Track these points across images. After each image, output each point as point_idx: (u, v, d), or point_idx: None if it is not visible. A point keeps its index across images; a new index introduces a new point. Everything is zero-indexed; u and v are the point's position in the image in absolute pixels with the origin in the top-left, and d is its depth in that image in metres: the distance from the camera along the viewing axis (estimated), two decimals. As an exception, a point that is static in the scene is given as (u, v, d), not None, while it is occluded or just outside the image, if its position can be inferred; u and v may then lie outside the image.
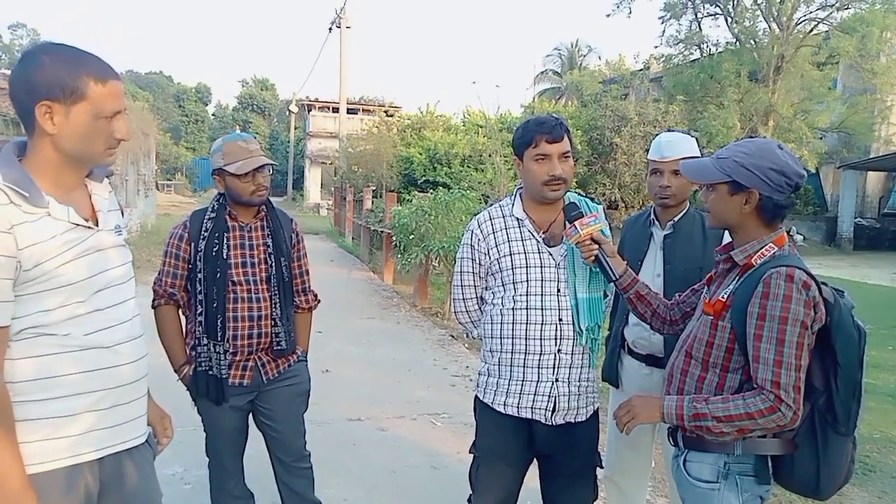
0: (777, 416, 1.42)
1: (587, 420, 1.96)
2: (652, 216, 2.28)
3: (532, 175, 1.89)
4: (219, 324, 2.10)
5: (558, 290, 1.89)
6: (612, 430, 2.30)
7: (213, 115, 54.49)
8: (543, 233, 1.94)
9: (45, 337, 1.28)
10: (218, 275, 2.11)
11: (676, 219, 2.21)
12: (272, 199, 2.31)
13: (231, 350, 2.13)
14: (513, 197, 2.03)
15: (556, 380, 1.88)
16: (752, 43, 18.31)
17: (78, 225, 1.32)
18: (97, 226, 1.37)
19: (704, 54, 19.25)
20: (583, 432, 1.95)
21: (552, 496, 2.01)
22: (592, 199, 2.04)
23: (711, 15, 19.39)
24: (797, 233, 17.94)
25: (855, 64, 17.12)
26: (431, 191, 9.41)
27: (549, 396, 1.88)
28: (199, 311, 2.13)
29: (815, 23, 17.84)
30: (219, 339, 2.11)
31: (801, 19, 17.85)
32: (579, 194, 2.05)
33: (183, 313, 2.24)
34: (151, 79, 53.30)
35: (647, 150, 2.35)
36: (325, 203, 27.38)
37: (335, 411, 4.12)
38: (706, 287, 1.70)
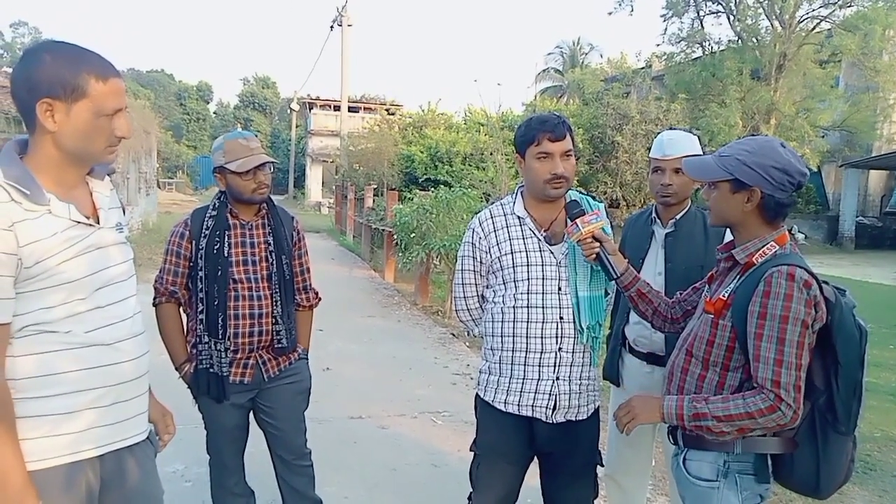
0: (777, 415, 1.42)
1: (588, 418, 1.96)
2: (653, 214, 2.28)
3: (534, 173, 1.89)
4: (220, 322, 2.10)
5: (559, 289, 1.89)
6: (613, 428, 2.29)
7: (214, 113, 54.53)
8: (544, 231, 1.94)
9: (47, 334, 1.28)
10: (219, 273, 2.11)
11: (678, 217, 2.21)
12: (273, 197, 2.32)
13: (232, 348, 2.13)
14: (514, 195, 2.03)
15: (557, 378, 1.88)
16: (755, 41, 18.28)
17: (79, 222, 1.33)
18: (98, 223, 1.38)
19: (706, 52, 19.22)
20: (583, 430, 1.95)
21: (553, 494, 2.01)
22: (594, 198, 2.04)
23: (713, 13, 19.36)
24: (798, 231, 17.92)
25: (857, 62, 17.08)
26: (433, 189, 9.42)
27: (550, 395, 1.88)
28: (200, 309, 2.13)
29: (818, 21, 17.80)
30: (220, 336, 2.11)
31: (804, 17, 17.81)
32: (580, 192, 2.05)
33: (184, 311, 2.24)
34: (153, 77, 53.34)
35: (649, 149, 2.34)
36: (327, 201, 27.39)
37: (336, 409, 4.12)
38: (707, 285, 1.70)
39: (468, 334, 2.43)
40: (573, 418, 1.92)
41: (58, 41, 1.32)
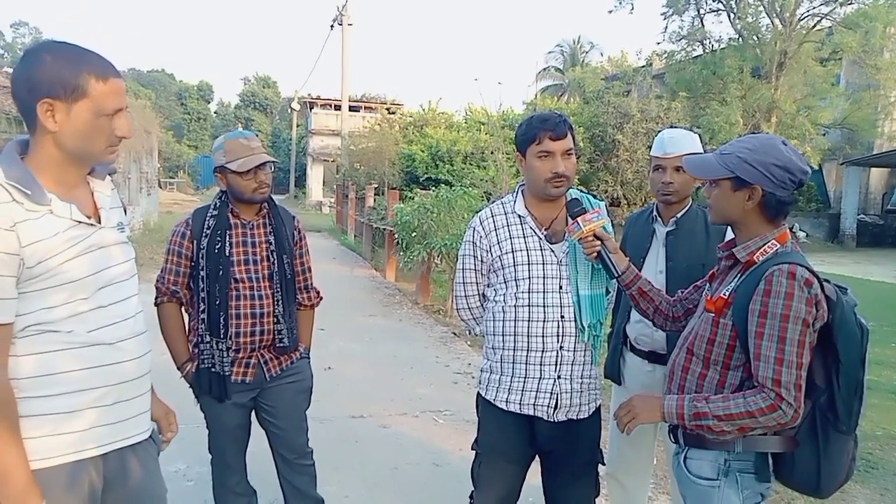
0: (778, 414, 1.42)
1: (589, 417, 1.96)
2: (654, 213, 2.27)
3: (535, 172, 1.89)
4: (221, 321, 2.11)
5: (560, 287, 1.88)
6: (614, 427, 2.29)
7: (215, 112, 54.55)
8: (545, 230, 1.94)
9: (49, 334, 1.28)
10: (220, 272, 2.11)
11: (679, 215, 2.21)
12: (274, 196, 2.32)
13: (234, 347, 2.13)
14: (514, 194, 2.03)
15: (559, 377, 1.88)
16: (755, 39, 18.25)
17: (80, 222, 1.33)
18: (99, 223, 1.38)
19: (707, 50, 19.20)
20: (585, 429, 1.95)
21: (554, 493, 2.01)
22: (595, 196, 2.04)
23: (714, 11, 19.35)
24: (800, 229, 17.90)
25: (858, 60, 17.05)
26: (433, 188, 9.41)
27: (552, 393, 1.88)
28: (201, 309, 2.14)
29: (818, 18, 17.78)
30: (221, 336, 2.11)
31: (804, 15, 17.79)
32: (581, 191, 2.05)
33: (186, 311, 2.24)
34: (154, 77, 53.35)
35: (650, 147, 2.34)
36: (328, 200, 27.41)
37: (337, 408, 4.13)
38: (708, 284, 1.70)
39: (469, 333, 2.43)
40: (574, 417, 1.92)
41: (58, 41, 1.33)
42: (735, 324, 1.50)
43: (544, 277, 1.89)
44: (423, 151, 15.29)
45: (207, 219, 2.17)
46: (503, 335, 1.92)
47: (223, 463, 2.30)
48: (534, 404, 1.89)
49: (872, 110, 17.71)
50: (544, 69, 34.79)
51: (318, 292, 2.46)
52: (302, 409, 2.35)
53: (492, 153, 10.99)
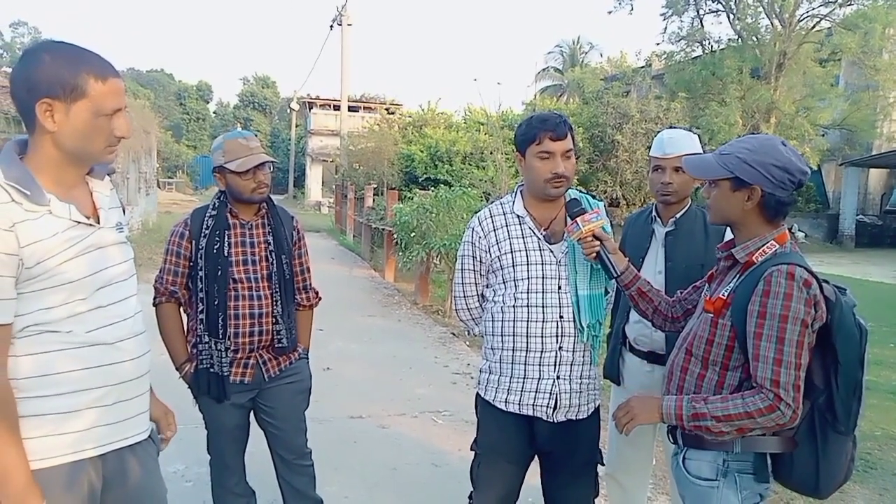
0: (776, 414, 1.42)
1: (588, 417, 1.96)
2: (653, 213, 2.28)
3: (535, 172, 1.89)
4: (220, 321, 2.10)
5: (559, 288, 1.88)
6: (613, 427, 2.29)
7: (214, 112, 54.52)
8: (544, 230, 1.94)
9: (48, 334, 1.28)
10: (219, 272, 2.11)
11: (678, 216, 2.21)
12: (273, 196, 2.32)
13: (232, 348, 2.13)
14: (513, 194, 2.03)
15: (558, 377, 1.88)
16: (755, 40, 18.27)
17: (79, 222, 1.33)
18: (98, 223, 1.38)
19: (706, 51, 19.21)
20: (584, 429, 1.95)
21: (553, 493, 2.01)
22: (594, 196, 2.04)
23: (713, 12, 19.36)
24: (799, 230, 17.92)
25: (857, 60, 17.07)
26: (433, 188, 9.41)
27: (551, 394, 1.88)
28: (200, 309, 2.13)
29: (818, 19, 17.80)
30: (220, 336, 2.11)
31: (804, 16, 17.81)
32: (580, 191, 2.05)
33: (184, 311, 2.24)
34: (152, 77, 53.34)
35: (649, 148, 2.34)
36: (327, 201, 27.40)
37: (336, 409, 4.12)
38: (707, 284, 1.70)
39: (468, 333, 2.43)
40: (574, 417, 1.92)
41: (57, 41, 1.32)
42: (734, 324, 1.50)
43: (543, 278, 1.89)
44: (422, 152, 15.29)
45: (206, 219, 2.17)
46: (502, 335, 1.92)
47: (222, 463, 2.30)
48: (533, 405, 1.89)
49: (871, 111, 17.73)
50: (543, 69, 34.81)
51: (316, 293, 2.45)
52: (301, 410, 2.35)
53: (491, 153, 10.99)
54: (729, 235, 1.70)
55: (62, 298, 1.29)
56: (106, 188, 1.45)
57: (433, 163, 14.79)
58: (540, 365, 1.88)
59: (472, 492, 2.05)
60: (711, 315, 1.55)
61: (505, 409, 1.92)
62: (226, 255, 2.13)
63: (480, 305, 2.07)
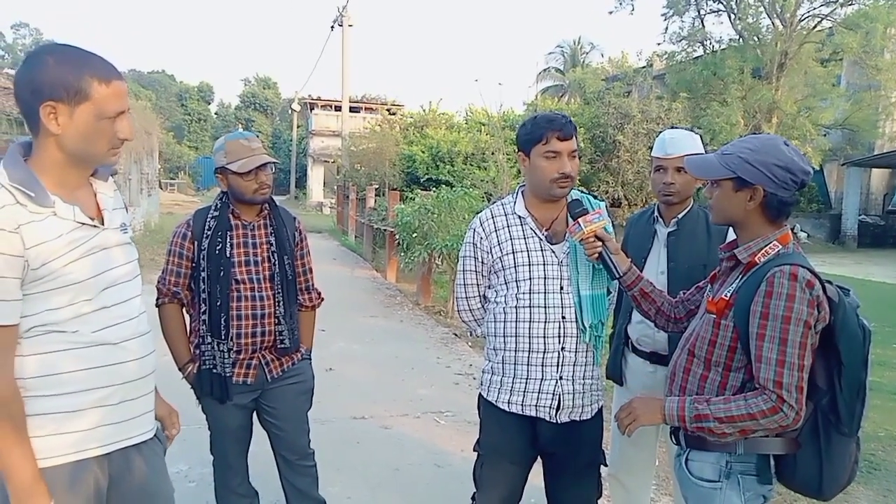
0: (779, 416, 1.41)
1: (591, 418, 1.96)
2: (656, 213, 2.27)
3: (541, 172, 1.88)
4: (222, 322, 2.11)
5: (561, 288, 1.88)
6: (616, 427, 2.29)
7: (215, 113, 54.59)
8: (546, 230, 1.94)
9: (54, 334, 1.29)
10: (221, 273, 2.12)
11: (680, 216, 2.21)
12: (275, 197, 2.32)
13: (235, 348, 2.14)
14: (515, 195, 2.03)
15: (561, 377, 1.88)
16: (756, 40, 18.24)
17: (83, 224, 1.34)
18: (103, 224, 1.38)
19: (707, 51, 19.19)
20: (587, 430, 1.95)
21: (556, 494, 2.01)
22: (595, 196, 2.04)
23: (714, 11, 19.33)
24: (801, 230, 17.89)
25: (859, 60, 17.04)
26: (434, 189, 9.41)
27: (554, 394, 1.88)
28: (202, 310, 2.14)
29: (819, 19, 17.77)
30: (222, 337, 2.11)
31: (805, 16, 17.78)
32: (582, 192, 2.05)
33: (187, 312, 2.24)
34: (154, 78, 53.41)
35: (651, 148, 2.34)
36: (328, 201, 27.42)
37: (339, 409, 4.13)
38: (710, 285, 1.70)
39: (470, 334, 2.42)
40: (577, 418, 1.92)
41: (61, 44, 1.33)
42: (736, 325, 1.50)
43: (545, 278, 1.89)
44: (423, 152, 15.29)
45: (208, 220, 2.17)
46: (504, 336, 1.92)
47: (225, 464, 2.30)
48: (536, 405, 1.89)
49: (873, 111, 17.70)
50: (545, 70, 34.81)
51: (319, 293, 2.46)
52: (303, 411, 2.35)
53: (492, 154, 10.99)
54: (731, 236, 1.70)
55: (67, 299, 1.29)
56: (110, 189, 1.46)
57: (435, 163, 14.79)
58: (543, 365, 1.88)
59: (474, 492, 2.05)
60: (714, 316, 1.55)
61: (508, 409, 1.92)
62: (228, 255, 2.13)
63: (482, 306, 2.07)
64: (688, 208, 2.22)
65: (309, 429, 2.38)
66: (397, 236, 8.76)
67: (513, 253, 1.92)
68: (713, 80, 18.00)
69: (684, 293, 1.85)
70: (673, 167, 2.15)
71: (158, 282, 2.21)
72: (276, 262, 2.19)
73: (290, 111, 39.44)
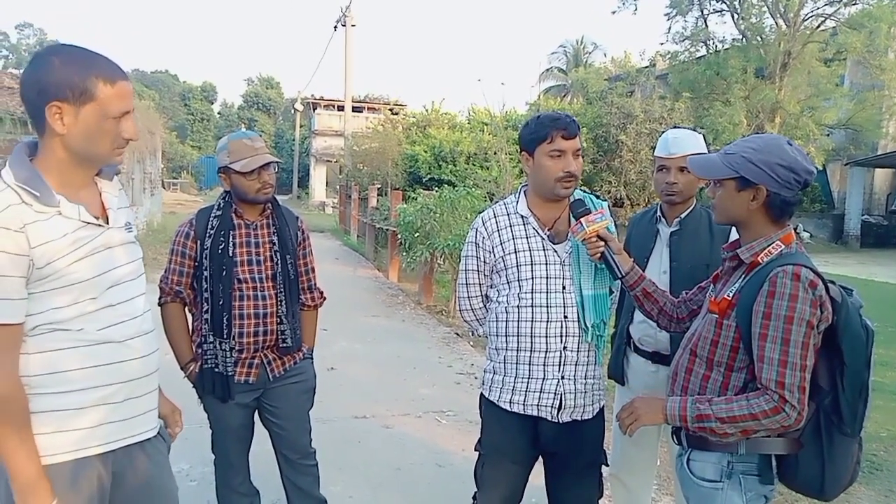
0: (781, 416, 1.41)
1: (593, 418, 1.96)
2: (658, 213, 2.27)
3: (545, 171, 1.88)
4: (225, 321, 2.11)
5: (563, 288, 1.88)
6: (618, 427, 2.29)
7: (218, 113, 54.71)
8: (548, 230, 1.94)
9: (59, 332, 1.30)
10: (224, 272, 2.12)
11: (683, 216, 2.21)
12: (277, 197, 2.32)
13: (237, 347, 2.14)
14: (517, 194, 2.03)
15: (562, 377, 1.88)
16: (759, 39, 18.21)
17: (88, 223, 1.34)
18: (107, 223, 1.39)
19: (710, 51, 19.15)
20: (589, 430, 1.95)
21: (558, 494, 2.01)
22: (597, 196, 2.04)
23: (717, 11, 19.30)
24: (804, 230, 17.85)
25: (862, 60, 17.01)
26: (436, 189, 9.40)
27: (555, 394, 1.88)
28: (205, 309, 2.14)
29: (823, 19, 17.73)
30: (225, 336, 2.12)
31: (808, 15, 17.75)
32: (584, 191, 2.05)
33: (189, 311, 2.25)
34: (157, 77, 53.54)
35: (653, 148, 2.34)
36: (331, 201, 27.44)
37: (340, 409, 4.13)
38: (712, 285, 1.69)
39: (472, 334, 2.42)
40: (578, 418, 1.92)
41: (66, 45, 1.34)
42: (739, 325, 1.50)
43: (547, 278, 1.89)
44: (426, 152, 15.28)
45: (211, 219, 2.18)
46: (506, 336, 1.92)
47: (226, 463, 2.31)
48: (537, 405, 1.89)
49: (877, 111, 17.65)
50: (547, 70, 34.79)
51: (321, 293, 2.46)
52: (305, 410, 2.35)
53: (495, 154, 10.98)
54: (734, 235, 1.70)
55: (72, 298, 1.30)
56: (115, 189, 1.47)
57: (437, 163, 14.78)
58: (544, 365, 1.88)
59: (476, 492, 2.05)
60: (716, 316, 1.55)
61: (509, 409, 1.92)
62: (231, 255, 2.14)
63: (484, 306, 2.07)
64: (690, 208, 2.22)
65: (310, 428, 2.38)
66: (399, 236, 8.76)
67: (515, 252, 1.92)
68: (716, 79, 17.97)
69: (687, 293, 1.85)
70: (676, 167, 2.15)
71: (161, 281, 2.22)
72: (279, 262, 2.20)
73: (293, 111, 39.46)
